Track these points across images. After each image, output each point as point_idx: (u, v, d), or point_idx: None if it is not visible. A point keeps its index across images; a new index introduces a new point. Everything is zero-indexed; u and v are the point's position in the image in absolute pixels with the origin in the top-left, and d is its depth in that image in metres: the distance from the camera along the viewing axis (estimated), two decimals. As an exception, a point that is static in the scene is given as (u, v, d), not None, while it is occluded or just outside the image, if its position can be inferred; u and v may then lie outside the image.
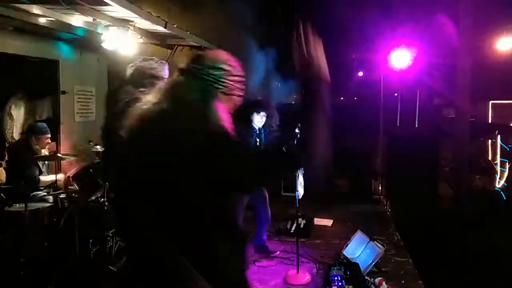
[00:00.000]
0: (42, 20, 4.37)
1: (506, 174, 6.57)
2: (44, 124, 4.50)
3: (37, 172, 4.29)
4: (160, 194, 1.38)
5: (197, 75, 1.47)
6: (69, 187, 4.07)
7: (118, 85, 2.50)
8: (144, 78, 2.51)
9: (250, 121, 4.76)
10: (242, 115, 5.12)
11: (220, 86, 1.48)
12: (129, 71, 2.58)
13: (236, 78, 1.52)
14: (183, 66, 1.52)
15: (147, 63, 2.58)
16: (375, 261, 4.03)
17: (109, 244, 3.82)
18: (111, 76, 6.49)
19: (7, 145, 5.09)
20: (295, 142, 1.58)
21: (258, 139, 4.74)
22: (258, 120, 4.58)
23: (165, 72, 2.53)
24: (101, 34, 4.65)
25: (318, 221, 5.66)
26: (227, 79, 1.49)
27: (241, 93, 1.55)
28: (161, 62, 2.60)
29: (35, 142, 4.33)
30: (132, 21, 4.57)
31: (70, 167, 4.50)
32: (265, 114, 4.63)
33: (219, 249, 1.41)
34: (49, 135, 4.49)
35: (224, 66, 1.49)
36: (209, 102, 1.44)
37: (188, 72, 1.49)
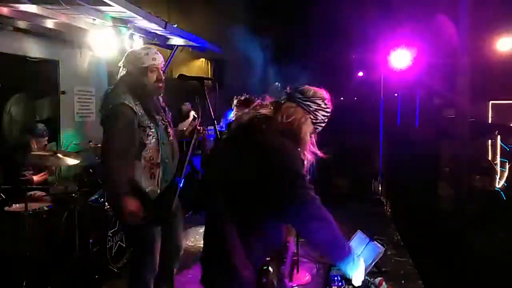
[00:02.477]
0: (42, 20, 4.38)
1: (506, 174, 6.57)
2: (44, 127, 4.50)
3: (32, 172, 4.29)
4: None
5: (299, 104, 1.76)
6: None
7: None
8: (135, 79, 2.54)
9: None
10: None
11: (312, 117, 1.78)
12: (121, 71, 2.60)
13: (326, 114, 1.82)
14: (289, 92, 1.80)
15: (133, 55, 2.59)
16: (375, 261, 4.03)
17: (109, 244, 3.82)
18: (111, 76, 6.50)
19: (6, 145, 5.09)
20: None
21: None
22: None
23: (142, 62, 2.54)
24: (101, 33, 4.65)
25: (318, 221, 5.66)
26: (320, 114, 1.79)
27: (323, 126, 1.86)
28: (133, 53, 2.61)
29: (34, 144, 4.33)
30: (132, 21, 4.57)
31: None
32: None
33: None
34: (47, 138, 4.51)
35: (321, 102, 1.79)
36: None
37: (291, 99, 1.77)
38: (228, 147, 1.81)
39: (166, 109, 2.76)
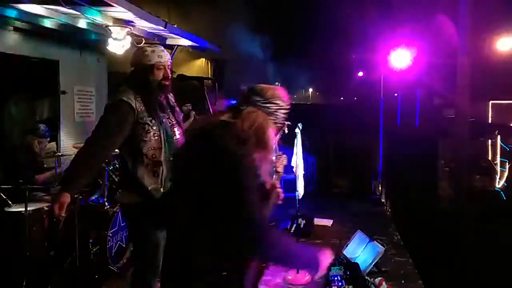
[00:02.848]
0: (42, 20, 4.38)
1: (506, 174, 6.57)
2: (46, 127, 4.51)
3: (34, 173, 4.29)
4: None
5: (259, 108, 1.71)
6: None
7: None
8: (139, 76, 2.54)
9: None
10: None
11: (273, 118, 1.74)
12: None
13: (286, 111, 1.78)
14: (245, 95, 1.75)
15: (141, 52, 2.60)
16: (375, 261, 4.03)
17: (109, 244, 3.82)
18: (111, 76, 6.50)
19: (7, 145, 5.09)
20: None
21: None
22: None
23: (147, 59, 2.54)
24: (101, 34, 4.65)
25: (318, 221, 5.66)
26: (280, 113, 1.76)
27: (283, 122, 1.81)
28: (141, 50, 2.61)
29: (37, 144, 4.35)
30: (132, 21, 4.57)
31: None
32: None
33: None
34: (48, 138, 4.53)
35: (280, 102, 1.75)
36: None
37: (249, 102, 1.72)
38: (185, 153, 1.78)
39: (176, 108, 2.75)
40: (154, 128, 2.51)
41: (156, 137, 2.51)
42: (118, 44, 4.55)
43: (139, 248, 2.65)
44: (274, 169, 2.39)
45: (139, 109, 2.46)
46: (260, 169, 1.66)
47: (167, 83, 2.60)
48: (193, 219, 1.61)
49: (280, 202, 2.24)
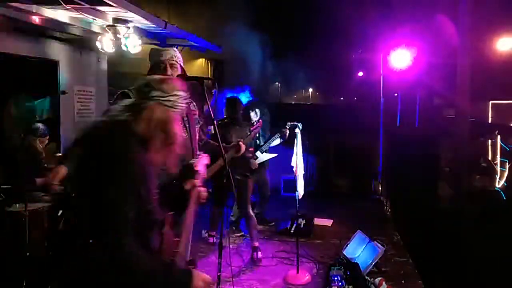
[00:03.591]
0: (42, 20, 4.38)
1: (506, 174, 6.56)
2: (45, 126, 4.52)
3: (35, 174, 4.29)
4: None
5: (160, 103, 1.64)
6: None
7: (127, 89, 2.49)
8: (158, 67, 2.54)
9: (249, 118, 5.15)
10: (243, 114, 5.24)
11: (176, 110, 1.69)
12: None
13: (185, 99, 1.73)
14: (143, 91, 1.66)
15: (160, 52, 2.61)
16: (375, 261, 4.03)
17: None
18: (111, 76, 6.49)
19: (7, 145, 5.09)
20: None
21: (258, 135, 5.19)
22: (253, 116, 5.19)
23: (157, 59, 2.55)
24: (101, 34, 4.65)
25: (318, 221, 5.66)
26: (179, 102, 1.70)
27: (183, 110, 1.76)
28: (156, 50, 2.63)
29: (39, 144, 4.37)
30: (132, 21, 4.57)
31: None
32: (258, 112, 5.25)
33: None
34: (47, 137, 4.54)
35: (179, 93, 1.70)
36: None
37: (149, 98, 1.63)
38: (77, 155, 1.67)
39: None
40: None
41: None
42: (118, 44, 4.55)
43: None
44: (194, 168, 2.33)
45: None
46: (159, 170, 1.61)
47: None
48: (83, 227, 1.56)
49: (203, 201, 2.18)
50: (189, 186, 2.16)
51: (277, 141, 5.14)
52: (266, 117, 5.36)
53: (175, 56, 2.60)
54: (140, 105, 1.62)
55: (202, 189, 2.18)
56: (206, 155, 2.47)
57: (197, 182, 2.17)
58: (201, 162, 2.37)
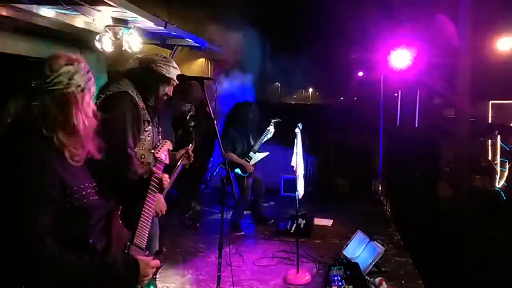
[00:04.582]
0: (42, 20, 4.37)
1: (506, 174, 6.57)
2: None
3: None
4: None
5: (47, 93, 1.44)
6: None
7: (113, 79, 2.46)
8: (144, 71, 2.50)
9: (245, 118, 5.27)
10: (240, 116, 5.25)
11: (73, 88, 1.48)
12: (132, 63, 2.55)
13: (82, 72, 1.54)
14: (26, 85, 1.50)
15: (150, 57, 2.57)
16: (375, 261, 4.03)
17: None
18: (111, 76, 6.49)
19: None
20: None
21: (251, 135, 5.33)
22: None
23: (166, 70, 2.51)
24: (101, 34, 4.65)
25: (318, 221, 5.66)
26: (77, 78, 1.49)
27: (89, 85, 1.54)
28: (165, 59, 2.59)
29: None
30: (132, 21, 4.57)
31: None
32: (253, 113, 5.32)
33: None
34: None
35: (68, 68, 1.50)
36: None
37: (37, 92, 1.46)
38: None
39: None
40: (149, 128, 2.46)
41: (150, 138, 2.47)
42: (118, 44, 4.55)
43: None
44: (155, 155, 2.28)
45: (140, 105, 2.41)
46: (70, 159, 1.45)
47: (165, 99, 2.59)
48: None
49: (165, 187, 2.09)
50: (146, 174, 2.09)
51: (266, 138, 5.32)
52: (255, 117, 5.37)
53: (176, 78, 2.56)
54: (30, 102, 1.46)
55: (165, 176, 2.10)
56: (168, 142, 2.44)
57: (156, 169, 2.09)
58: (163, 149, 2.33)
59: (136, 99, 2.40)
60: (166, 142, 2.43)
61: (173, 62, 2.58)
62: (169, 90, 2.56)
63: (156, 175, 2.03)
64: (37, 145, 1.41)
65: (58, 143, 1.44)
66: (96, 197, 1.54)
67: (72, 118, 1.45)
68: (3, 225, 1.32)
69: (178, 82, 2.57)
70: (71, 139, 1.47)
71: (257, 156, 5.28)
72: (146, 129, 2.44)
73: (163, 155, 2.30)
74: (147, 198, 1.95)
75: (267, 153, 5.40)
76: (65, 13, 4.26)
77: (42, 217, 1.35)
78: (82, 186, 1.49)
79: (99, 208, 1.56)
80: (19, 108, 1.49)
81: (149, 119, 2.46)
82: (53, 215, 1.38)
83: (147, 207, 1.93)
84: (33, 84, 1.46)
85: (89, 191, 1.51)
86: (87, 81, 1.54)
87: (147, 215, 1.91)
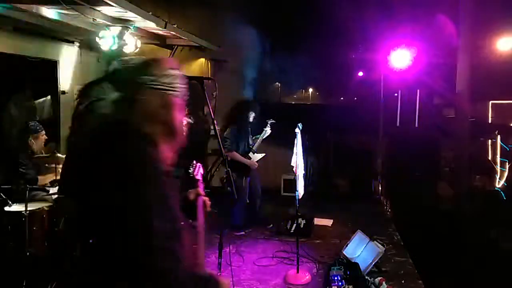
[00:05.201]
0: (42, 20, 4.38)
1: (506, 174, 6.57)
2: (37, 123, 4.50)
3: (35, 172, 4.29)
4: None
5: (151, 86, 1.36)
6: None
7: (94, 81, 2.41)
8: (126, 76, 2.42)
9: (247, 118, 5.27)
10: (241, 115, 5.25)
11: (174, 93, 1.40)
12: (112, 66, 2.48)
13: (181, 81, 1.45)
14: (130, 80, 1.38)
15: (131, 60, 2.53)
16: (375, 261, 4.03)
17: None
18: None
19: (7, 145, 5.09)
20: None
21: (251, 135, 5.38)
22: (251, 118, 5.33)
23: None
24: (101, 34, 4.65)
25: (318, 221, 5.66)
26: (178, 83, 1.42)
27: (184, 91, 1.48)
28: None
29: (33, 142, 4.33)
30: (132, 21, 4.57)
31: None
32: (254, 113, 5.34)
33: None
34: (44, 132, 4.50)
35: (173, 72, 1.42)
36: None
37: (140, 87, 1.36)
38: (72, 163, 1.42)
39: None
40: None
41: None
42: (118, 44, 4.55)
43: None
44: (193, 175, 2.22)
45: None
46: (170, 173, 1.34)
47: None
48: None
49: (209, 209, 1.98)
50: (193, 196, 2.00)
51: (262, 138, 5.40)
52: (256, 116, 5.38)
53: None
54: (132, 97, 1.34)
55: (206, 198, 2.02)
56: (200, 165, 2.36)
57: (200, 190, 2.02)
58: (199, 171, 2.28)
59: None
60: (196, 164, 2.35)
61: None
62: None
63: (202, 197, 1.95)
64: (148, 147, 1.31)
65: (161, 146, 1.37)
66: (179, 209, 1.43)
67: (170, 121, 1.40)
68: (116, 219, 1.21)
69: None
70: (168, 143, 1.40)
71: (256, 157, 5.29)
72: None
73: (199, 174, 2.27)
74: (199, 219, 1.90)
75: (264, 154, 5.43)
76: (65, 13, 4.26)
77: (158, 220, 1.25)
78: (174, 193, 1.40)
79: (182, 221, 1.44)
80: (120, 104, 1.35)
81: None
82: (163, 220, 1.27)
83: (200, 227, 1.87)
84: (142, 81, 1.35)
85: (177, 200, 1.42)
86: (184, 88, 1.47)
87: (202, 235, 1.89)
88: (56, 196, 3.95)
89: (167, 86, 1.38)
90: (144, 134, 1.33)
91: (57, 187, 4.22)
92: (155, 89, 1.36)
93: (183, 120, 1.46)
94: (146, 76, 1.36)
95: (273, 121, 5.42)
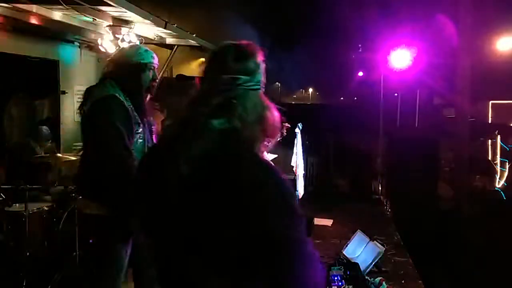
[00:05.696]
0: (42, 20, 4.37)
1: (506, 174, 6.57)
2: (48, 129, 4.52)
3: (37, 173, 4.30)
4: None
5: (246, 89, 1.09)
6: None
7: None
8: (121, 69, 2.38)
9: None
10: None
11: (262, 88, 1.13)
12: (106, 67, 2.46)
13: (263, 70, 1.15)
14: (224, 80, 1.10)
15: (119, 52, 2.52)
16: (375, 261, 4.03)
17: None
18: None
19: (6, 145, 5.09)
20: None
21: None
22: None
23: (138, 57, 2.40)
24: (102, 34, 4.65)
25: (318, 221, 5.65)
26: (262, 77, 1.14)
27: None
28: (133, 47, 2.53)
29: (38, 147, 4.37)
30: (132, 21, 4.57)
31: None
32: None
33: None
34: (50, 140, 4.55)
35: (257, 60, 1.13)
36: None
37: (236, 86, 1.09)
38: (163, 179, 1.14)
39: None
40: (140, 130, 2.36)
41: (141, 141, 2.36)
42: (118, 44, 4.55)
43: (109, 267, 2.35)
44: None
45: (129, 108, 2.31)
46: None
47: (154, 84, 2.47)
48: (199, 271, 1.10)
49: None
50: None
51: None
52: None
53: (155, 58, 2.47)
54: (229, 100, 1.09)
55: None
56: None
57: None
58: None
59: (125, 102, 2.31)
60: None
61: (142, 46, 2.49)
62: (151, 75, 2.44)
63: None
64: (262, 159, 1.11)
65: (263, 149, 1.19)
66: None
67: (269, 121, 1.16)
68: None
69: (157, 64, 2.48)
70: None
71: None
72: (138, 131, 2.34)
73: None
74: None
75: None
76: (65, 13, 4.26)
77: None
78: None
79: None
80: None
81: (140, 121, 2.37)
82: None
83: None
84: (238, 82, 1.10)
85: None
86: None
87: None
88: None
89: (260, 84, 1.14)
90: (250, 142, 1.11)
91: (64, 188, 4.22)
92: (249, 89, 1.12)
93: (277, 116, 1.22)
94: (237, 75, 1.10)
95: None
